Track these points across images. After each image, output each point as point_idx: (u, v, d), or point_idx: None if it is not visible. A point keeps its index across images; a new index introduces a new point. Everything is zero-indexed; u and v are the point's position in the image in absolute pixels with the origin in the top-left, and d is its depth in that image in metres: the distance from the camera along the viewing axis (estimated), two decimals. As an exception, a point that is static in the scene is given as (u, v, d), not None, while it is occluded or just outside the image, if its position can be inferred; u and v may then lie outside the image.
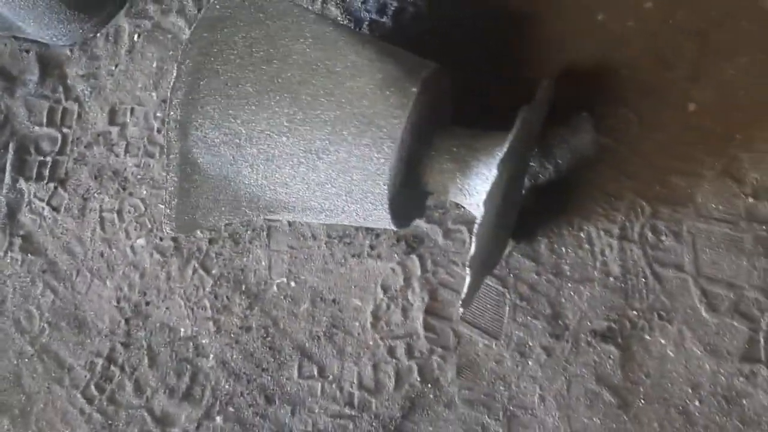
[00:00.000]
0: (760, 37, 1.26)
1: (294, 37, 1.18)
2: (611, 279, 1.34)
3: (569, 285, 1.37)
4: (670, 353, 1.29)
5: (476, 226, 1.09)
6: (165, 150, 1.21)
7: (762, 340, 1.24)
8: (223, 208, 1.26)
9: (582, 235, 1.36)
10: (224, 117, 1.17)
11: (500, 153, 1.12)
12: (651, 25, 1.33)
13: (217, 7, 1.19)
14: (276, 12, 1.22)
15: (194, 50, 1.16)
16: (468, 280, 1.14)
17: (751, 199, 1.25)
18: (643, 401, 1.31)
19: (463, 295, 1.16)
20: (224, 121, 1.17)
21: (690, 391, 1.28)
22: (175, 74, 1.15)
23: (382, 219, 1.24)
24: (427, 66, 1.21)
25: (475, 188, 1.20)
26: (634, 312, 1.32)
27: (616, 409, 1.32)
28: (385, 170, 1.15)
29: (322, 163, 1.17)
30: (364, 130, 1.14)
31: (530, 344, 1.39)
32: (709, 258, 1.28)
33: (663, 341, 1.30)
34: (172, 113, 1.17)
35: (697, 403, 1.27)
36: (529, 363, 1.39)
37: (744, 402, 1.24)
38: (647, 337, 1.31)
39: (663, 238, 1.31)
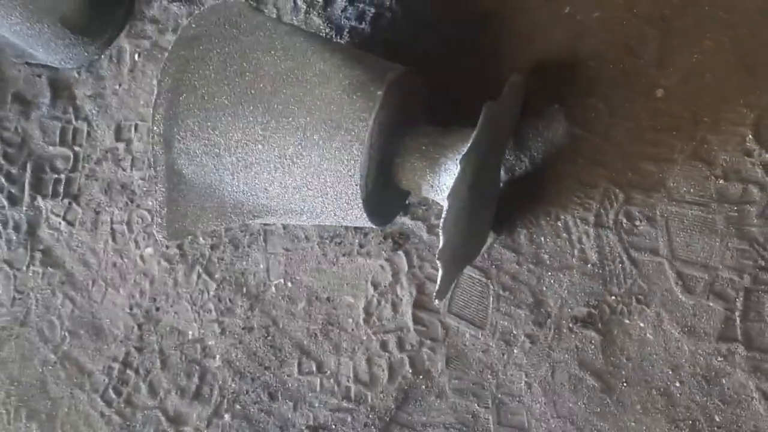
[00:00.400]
0: (723, 20, 1.27)
1: (265, 49, 1.25)
2: (589, 266, 1.37)
3: (549, 273, 1.40)
4: (650, 336, 1.31)
5: (441, 219, 1.14)
6: (152, 163, 1.28)
7: (738, 319, 1.25)
8: (210, 215, 1.33)
9: (559, 224, 1.39)
10: (203, 129, 1.24)
11: (464, 148, 1.16)
12: (616, 15, 1.35)
13: (193, 26, 1.27)
14: (249, 27, 1.28)
15: (172, 68, 1.24)
16: (440, 272, 1.19)
17: (721, 181, 1.27)
18: (625, 384, 1.33)
19: (436, 287, 1.20)
20: (203, 133, 1.24)
21: (670, 372, 1.30)
22: (156, 91, 1.23)
23: (359, 218, 1.29)
24: (393, 69, 1.26)
25: (444, 184, 1.24)
26: (613, 297, 1.34)
27: (599, 393, 1.35)
28: (355, 171, 1.20)
29: (297, 168, 1.23)
30: (334, 134, 1.20)
31: (515, 333, 1.43)
32: (683, 241, 1.30)
33: (642, 324, 1.32)
34: (155, 128, 1.25)
35: (677, 384, 1.29)
36: (515, 351, 1.43)
37: (723, 381, 1.26)
38: (626, 321, 1.33)
39: (637, 223, 1.33)
